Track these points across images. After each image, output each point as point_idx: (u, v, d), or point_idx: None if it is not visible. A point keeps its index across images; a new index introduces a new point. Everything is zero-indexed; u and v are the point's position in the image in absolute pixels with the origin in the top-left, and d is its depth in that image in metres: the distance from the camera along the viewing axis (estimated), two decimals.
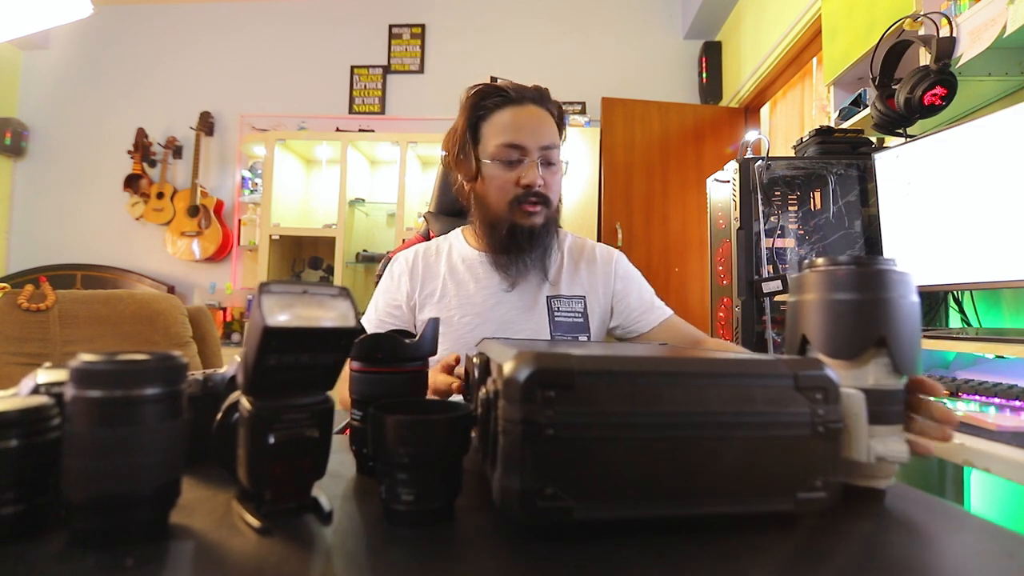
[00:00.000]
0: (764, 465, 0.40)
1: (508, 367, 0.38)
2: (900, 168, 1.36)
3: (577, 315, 1.03)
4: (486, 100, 0.98)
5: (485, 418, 0.42)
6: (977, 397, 0.96)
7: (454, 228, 1.25)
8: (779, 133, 2.92)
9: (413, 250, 1.12)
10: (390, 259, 1.21)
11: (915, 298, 0.49)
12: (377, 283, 1.22)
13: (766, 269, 1.45)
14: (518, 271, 1.00)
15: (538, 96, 0.99)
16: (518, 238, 0.97)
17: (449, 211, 1.32)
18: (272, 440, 0.39)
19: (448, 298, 1.03)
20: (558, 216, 1.02)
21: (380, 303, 1.08)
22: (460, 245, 1.10)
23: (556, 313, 1.02)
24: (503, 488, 0.37)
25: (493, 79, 3.49)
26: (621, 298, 1.08)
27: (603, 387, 0.38)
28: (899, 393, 0.48)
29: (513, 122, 0.96)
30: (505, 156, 0.96)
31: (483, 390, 0.43)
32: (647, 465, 0.38)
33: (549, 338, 1.01)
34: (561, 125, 1.02)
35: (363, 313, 1.12)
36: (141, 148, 3.70)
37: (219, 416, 0.45)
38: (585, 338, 1.04)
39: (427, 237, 1.31)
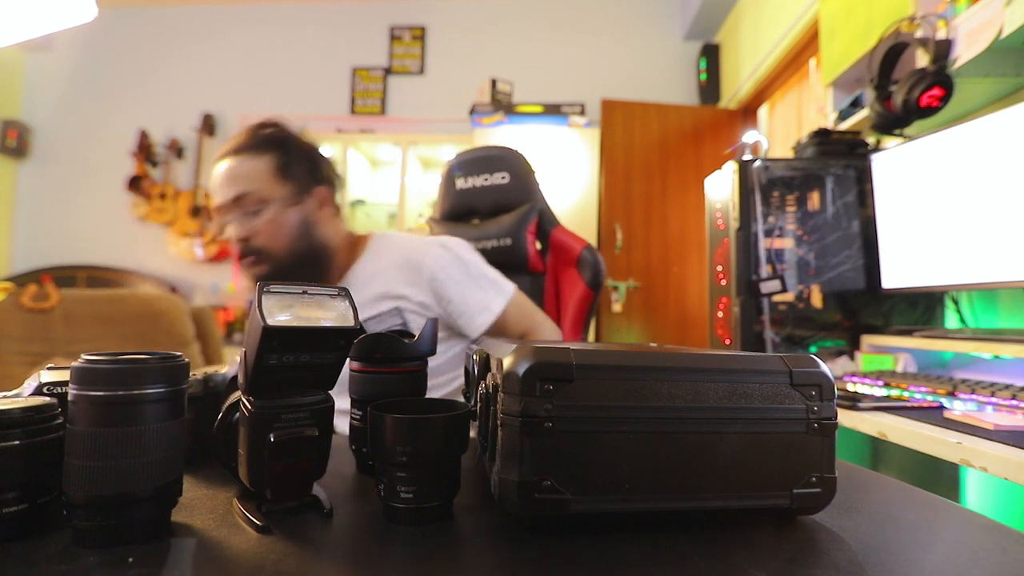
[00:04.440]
0: (760, 460, 0.40)
1: (508, 361, 0.38)
2: (897, 169, 1.37)
3: (397, 328, 0.95)
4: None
5: (484, 412, 0.42)
6: (974, 397, 0.96)
7: (457, 233, 1.26)
8: (777, 134, 2.93)
9: None
10: None
11: None
12: None
13: (764, 269, 1.45)
14: None
15: (238, 146, 0.94)
16: None
17: (452, 217, 1.33)
18: (272, 439, 0.40)
19: None
20: (302, 254, 0.95)
21: None
22: None
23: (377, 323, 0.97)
24: (502, 480, 0.38)
25: (494, 81, 3.45)
26: (444, 305, 1.00)
27: (601, 381, 0.38)
28: None
29: (212, 184, 0.95)
30: (218, 219, 0.95)
31: (482, 385, 0.44)
32: (644, 459, 0.38)
33: None
34: (287, 156, 0.95)
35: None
36: (144, 149, 3.71)
37: (220, 416, 0.45)
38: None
39: None
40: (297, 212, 0.95)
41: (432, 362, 1.00)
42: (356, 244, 1.06)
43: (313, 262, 0.97)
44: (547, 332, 1.08)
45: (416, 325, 0.99)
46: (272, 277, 0.93)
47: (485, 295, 0.99)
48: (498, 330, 1.00)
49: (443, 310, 0.99)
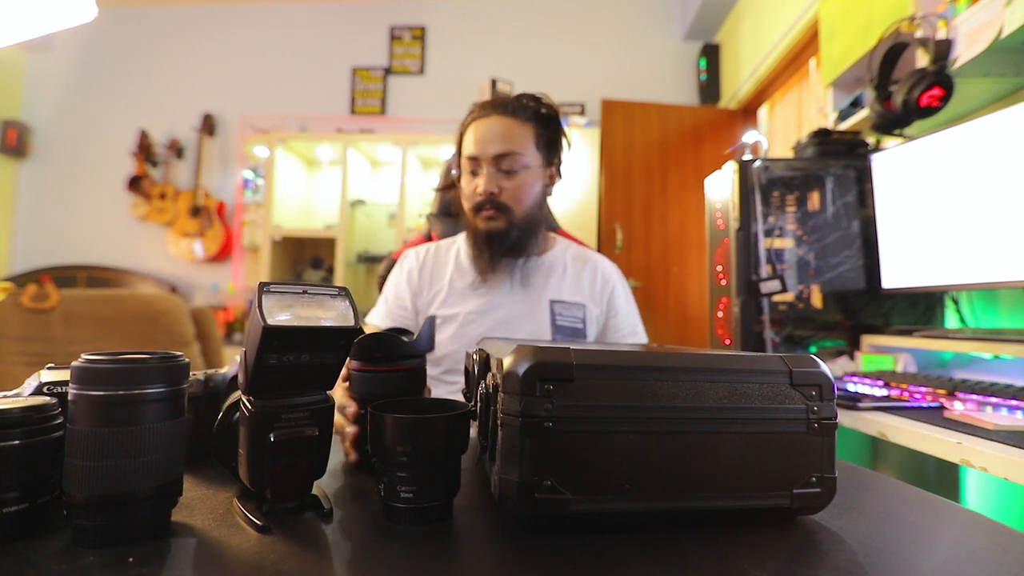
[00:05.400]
0: (760, 460, 0.40)
1: (508, 361, 0.38)
2: (897, 169, 1.37)
3: (577, 321, 1.07)
4: (469, 115, 1.06)
5: (484, 412, 0.42)
6: (974, 397, 0.96)
7: (455, 229, 1.26)
8: (777, 134, 2.92)
9: (424, 247, 1.16)
10: (394, 260, 1.22)
11: None
12: (380, 283, 1.24)
13: (764, 269, 1.45)
14: (491, 271, 1.05)
15: (506, 106, 1.02)
16: (480, 241, 1.04)
17: (450, 212, 1.33)
18: (273, 439, 0.40)
19: (455, 296, 1.07)
20: (531, 219, 1.05)
21: (390, 296, 1.11)
22: (466, 247, 1.12)
23: (559, 317, 1.05)
24: (502, 480, 0.38)
25: (494, 81, 3.46)
26: (612, 316, 1.12)
27: (601, 381, 0.38)
28: None
29: (475, 135, 1.02)
30: (467, 167, 1.04)
31: (483, 384, 0.44)
32: (644, 459, 0.38)
33: (550, 339, 1.03)
34: (545, 129, 1.04)
35: (368, 311, 1.13)
36: (144, 149, 3.71)
37: (220, 416, 0.45)
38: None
39: (428, 238, 1.32)
40: (540, 181, 1.05)
41: None
42: (547, 232, 1.16)
43: (535, 230, 1.07)
44: None
45: (591, 330, 1.09)
46: (506, 233, 1.02)
47: (637, 321, 1.16)
48: None
49: (607, 320, 1.12)
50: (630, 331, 1.13)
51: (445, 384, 1.02)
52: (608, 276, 1.14)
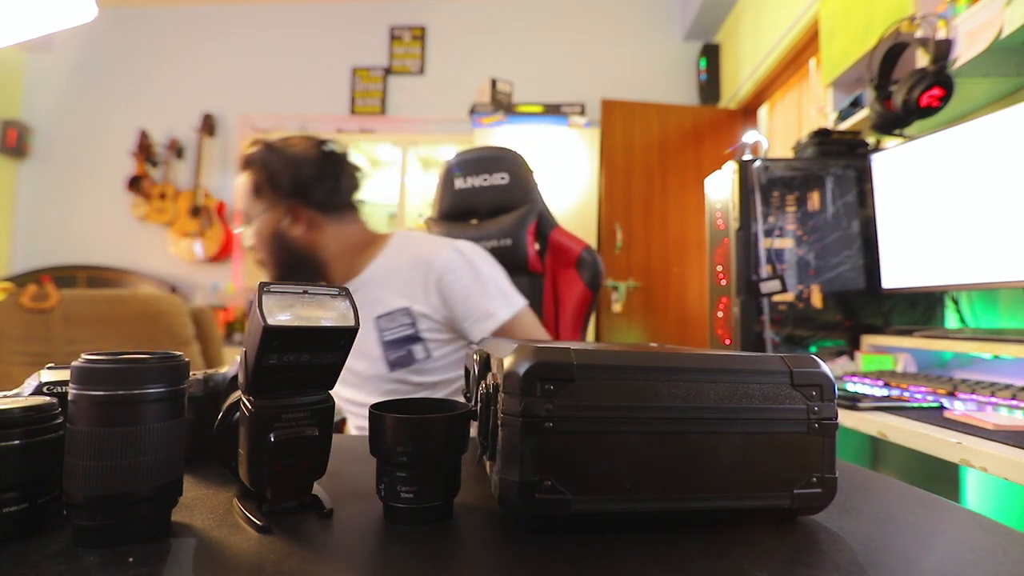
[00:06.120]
0: (760, 460, 0.40)
1: (508, 361, 0.38)
2: (897, 169, 1.37)
3: (405, 327, 1.01)
4: None
5: (485, 412, 0.42)
6: (974, 397, 0.96)
7: (455, 233, 1.26)
8: (777, 134, 2.93)
9: None
10: None
11: None
12: None
13: (764, 269, 1.45)
14: None
15: (240, 162, 1.04)
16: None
17: (451, 217, 1.33)
18: (273, 439, 0.40)
19: None
20: (290, 260, 1.03)
21: None
22: None
23: (385, 333, 1.02)
24: (502, 480, 0.38)
25: (494, 81, 3.44)
26: (450, 307, 1.01)
27: (602, 381, 0.38)
28: None
29: None
30: None
31: (483, 384, 0.44)
32: (645, 459, 0.38)
33: (384, 360, 1.01)
34: (264, 170, 1.00)
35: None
36: (144, 149, 3.71)
37: (220, 416, 0.45)
38: (419, 347, 1.01)
39: None
40: (273, 224, 1.02)
41: (434, 363, 1.02)
42: (374, 242, 1.09)
43: (301, 267, 1.03)
44: None
45: (426, 326, 1.01)
46: (273, 280, 0.97)
47: (492, 303, 1.00)
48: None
49: (449, 312, 1.01)
50: (479, 316, 1.00)
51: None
52: (432, 265, 1.01)
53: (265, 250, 1.03)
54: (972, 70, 1.18)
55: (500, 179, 1.28)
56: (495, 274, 1.05)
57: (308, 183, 1.01)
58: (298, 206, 1.01)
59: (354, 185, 1.08)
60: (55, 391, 0.45)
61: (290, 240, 1.02)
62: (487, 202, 1.29)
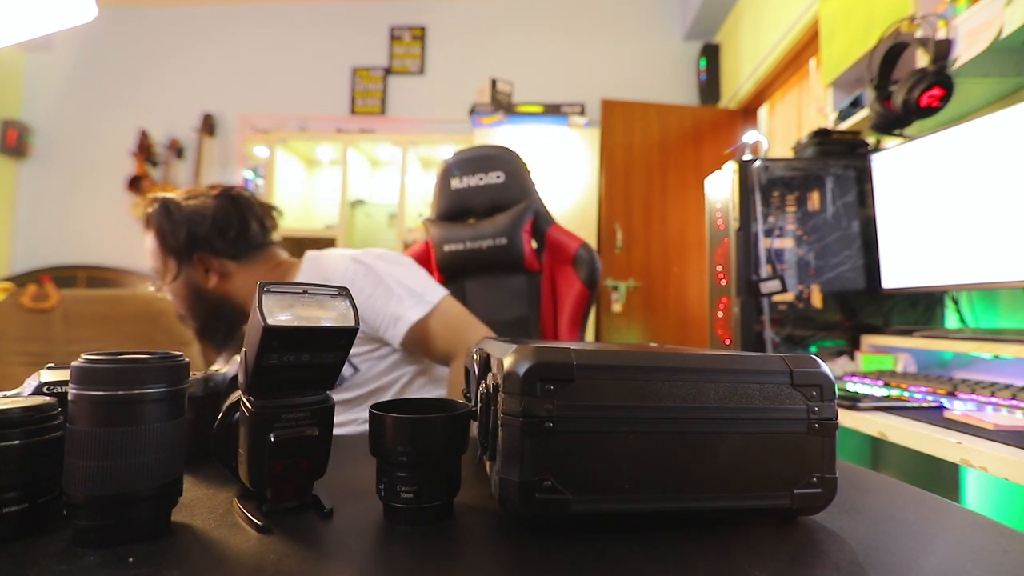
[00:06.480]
0: (760, 460, 0.40)
1: (508, 361, 0.38)
2: (897, 169, 1.37)
3: None
4: None
5: (485, 412, 0.42)
6: (974, 397, 0.96)
7: (452, 233, 1.26)
8: (777, 134, 2.92)
9: None
10: None
11: None
12: None
13: (764, 269, 1.45)
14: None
15: (143, 223, 1.03)
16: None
17: (448, 216, 1.33)
18: (273, 439, 0.40)
19: None
20: (209, 312, 1.04)
21: None
22: None
23: None
24: (502, 480, 0.38)
25: (494, 81, 3.44)
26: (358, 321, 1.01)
27: (602, 381, 0.38)
28: None
29: None
30: None
31: (483, 384, 0.44)
32: (645, 459, 0.38)
33: None
34: (167, 230, 1.00)
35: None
36: (144, 149, 3.71)
37: (220, 416, 0.45)
38: (345, 366, 0.97)
39: (427, 243, 1.32)
40: (184, 280, 1.02)
41: (365, 375, 1.00)
42: (286, 273, 1.08)
43: (219, 317, 1.04)
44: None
45: None
46: (204, 333, 1.05)
47: (399, 306, 0.96)
48: (420, 340, 0.97)
49: (361, 324, 0.99)
50: (389, 322, 0.97)
51: None
52: (332, 283, 1.01)
53: (183, 305, 1.03)
54: (972, 70, 1.18)
55: (496, 178, 1.29)
56: (402, 274, 1.00)
57: (206, 237, 1.00)
58: (206, 258, 1.01)
59: (265, 227, 1.08)
60: (55, 391, 0.45)
61: (205, 292, 1.02)
62: (483, 201, 1.29)
